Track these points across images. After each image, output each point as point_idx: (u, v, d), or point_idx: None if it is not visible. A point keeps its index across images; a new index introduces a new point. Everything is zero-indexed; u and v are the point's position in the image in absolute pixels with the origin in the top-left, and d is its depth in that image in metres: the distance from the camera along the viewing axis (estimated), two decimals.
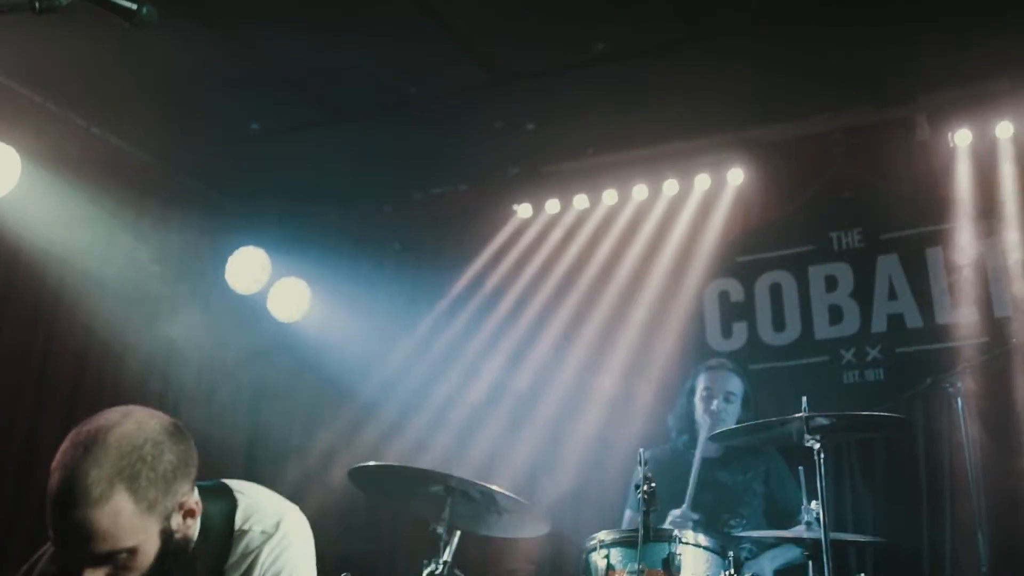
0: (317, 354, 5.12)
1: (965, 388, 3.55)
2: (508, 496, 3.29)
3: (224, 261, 5.06)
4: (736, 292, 4.83)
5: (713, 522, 3.64)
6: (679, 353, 4.72)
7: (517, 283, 5.13)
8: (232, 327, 5.05)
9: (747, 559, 3.70)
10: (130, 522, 1.60)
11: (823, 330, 4.56)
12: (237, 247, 5.09)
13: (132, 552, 1.62)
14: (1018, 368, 3.92)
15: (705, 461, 3.99)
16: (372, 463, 3.41)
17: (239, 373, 4.98)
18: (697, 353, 4.68)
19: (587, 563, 3.15)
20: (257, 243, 5.13)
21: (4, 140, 4.03)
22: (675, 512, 3.64)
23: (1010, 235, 4.19)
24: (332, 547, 4.55)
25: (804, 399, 3.14)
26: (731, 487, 3.94)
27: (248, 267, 5.11)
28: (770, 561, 3.71)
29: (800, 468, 3.18)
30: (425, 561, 3.35)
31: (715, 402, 3.99)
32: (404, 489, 3.47)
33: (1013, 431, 3.83)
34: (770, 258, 4.78)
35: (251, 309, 5.17)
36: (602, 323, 4.89)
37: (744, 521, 3.81)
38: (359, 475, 3.45)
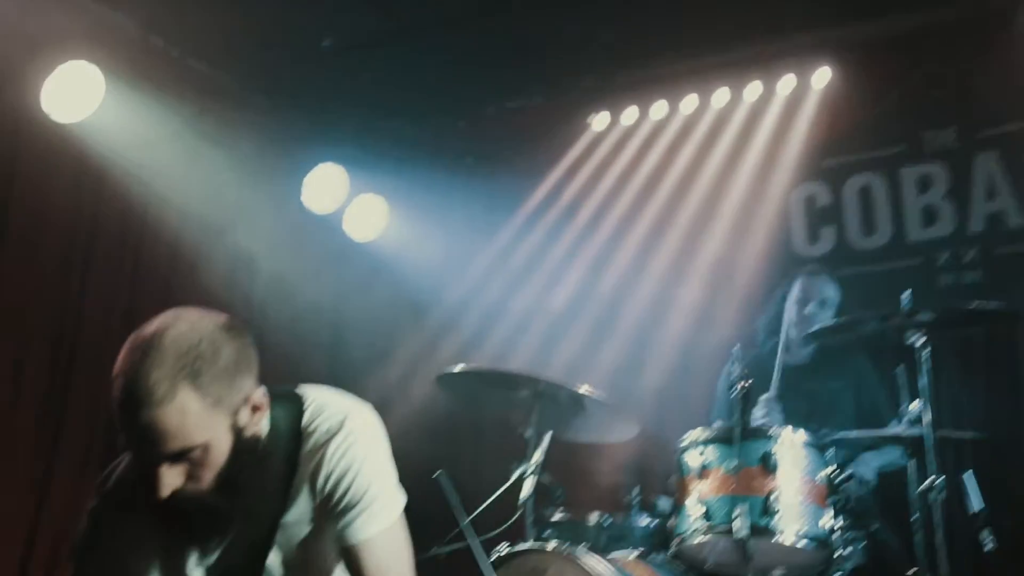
0: (395, 270, 5.13)
1: None
2: (597, 399, 3.28)
3: (301, 180, 5.07)
4: (823, 196, 4.69)
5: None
6: (764, 260, 4.63)
7: (595, 193, 5.06)
8: (310, 247, 5.08)
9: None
10: (198, 418, 1.61)
11: (916, 232, 4.41)
12: (314, 164, 5.09)
13: (205, 448, 1.64)
14: None
15: (793, 369, 3.93)
16: (460, 367, 3.42)
17: (318, 290, 5.02)
18: (783, 260, 4.59)
19: (680, 463, 3.12)
20: (334, 159, 5.12)
21: (87, 60, 4.05)
22: (761, 398, 3.61)
23: None
24: (416, 453, 4.64)
25: (906, 293, 3.04)
26: (821, 396, 3.87)
27: (326, 184, 5.11)
28: (868, 462, 3.65)
29: (900, 367, 3.09)
30: (515, 464, 3.37)
31: (809, 306, 3.92)
32: (491, 394, 3.48)
33: None
34: (859, 160, 4.62)
35: (328, 229, 5.18)
36: (684, 231, 4.82)
37: (835, 431, 3.74)
38: (447, 380, 3.46)
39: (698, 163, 4.92)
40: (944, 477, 2.92)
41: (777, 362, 3.72)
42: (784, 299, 4.03)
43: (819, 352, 3.95)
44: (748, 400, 2.96)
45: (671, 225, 4.86)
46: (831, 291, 3.99)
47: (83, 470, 4.10)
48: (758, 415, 3.61)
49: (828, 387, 3.90)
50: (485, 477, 3.72)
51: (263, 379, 1.77)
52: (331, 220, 5.18)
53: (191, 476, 1.65)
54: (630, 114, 5.14)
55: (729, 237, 4.75)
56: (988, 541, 3.09)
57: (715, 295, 4.65)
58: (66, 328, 4.15)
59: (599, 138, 5.18)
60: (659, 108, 5.07)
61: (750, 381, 2.95)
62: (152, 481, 1.62)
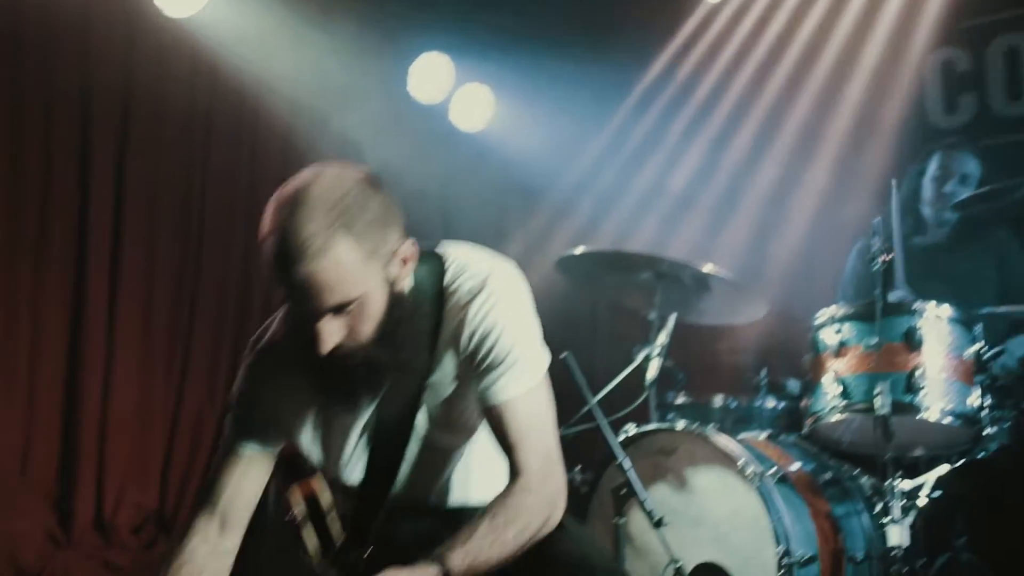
0: (504, 156, 5.04)
1: None
2: (722, 277, 3.17)
3: (406, 69, 4.98)
4: (962, 61, 4.37)
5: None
6: (897, 133, 4.37)
7: (713, 69, 4.82)
8: (416, 136, 5.02)
9: None
10: (355, 269, 1.58)
11: None
12: (419, 53, 4.99)
13: (362, 301, 1.61)
14: None
15: (928, 249, 3.73)
16: (580, 249, 3.35)
17: (425, 178, 4.97)
18: (917, 132, 4.34)
19: (815, 341, 3.01)
20: (439, 48, 5.01)
21: None
22: (898, 292, 3.45)
23: None
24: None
25: None
26: (960, 276, 3.66)
27: (431, 73, 5.02)
28: (1014, 351, 3.46)
29: None
30: (637, 348, 3.32)
31: (949, 183, 3.70)
32: (612, 277, 3.41)
33: None
34: (1003, 20, 4.27)
35: (435, 118, 5.11)
36: (810, 104, 4.58)
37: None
38: (566, 264, 3.40)
39: (824, 31, 4.62)
40: None
41: (905, 243, 3.53)
42: (922, 175, 3.80)
43: (957, 229, 3.73)
44: (890, 274, 2.81)
45: (796, 98, 4.62)
46: (972, 166, 3.74)
47: (217, 346, 4.28)
48: (900, 295, 3.46)
49: (967, 266, 3.69)
50: (605, 362, 3.69)
51: None
52: (437, 110, 5.10)
53: (350, 330, 1.63)
54: None
55: (859, 110, 4.50)
56: None
57: (843, 171, 4.43)
58: (192, 220, 4.27)
59: (715, 9, 4.92)
60: None
61: (892, 254, 2.78)
62: (313, 336, 1.60)
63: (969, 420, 2.75)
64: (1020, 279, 3.55)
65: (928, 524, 3.18)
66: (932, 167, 3.77)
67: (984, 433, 2.85)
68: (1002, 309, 3.22)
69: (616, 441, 2.84)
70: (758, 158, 4.66)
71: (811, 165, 4.52)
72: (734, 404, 3.40)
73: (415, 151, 4.89)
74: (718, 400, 3.43)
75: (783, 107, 4.67)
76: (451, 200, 5.12)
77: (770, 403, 3.37)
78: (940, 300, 3.51)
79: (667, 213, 4.69)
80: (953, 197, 3.64)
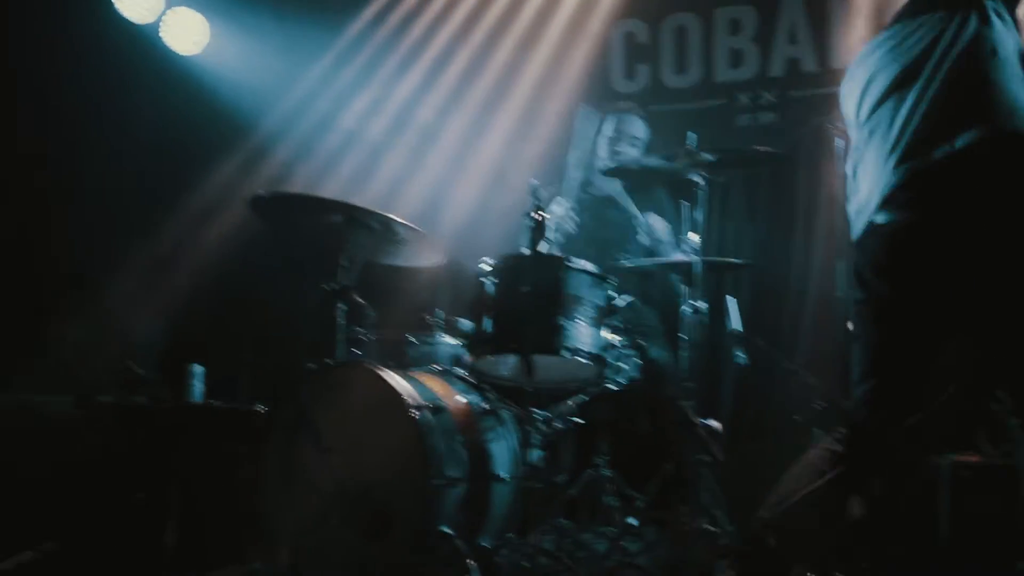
0: (218, 88, 4.99)
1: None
2: (406, 225, 3.43)
3: None
4: (641, 33, 4.83)
5: (602, 257, 3.87)
6: (582, 93, 4.78)
7: (422, 17, 5.00)
8: (125, 58, 4.86)
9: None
10: None
11: (723, 73, 4.65)
12: None
13: None
14: None
15: (598, 200, 4.20)
16: (272, 192, 3.47)
17: (135, 106, 4.84)
18: (600, 94, 4.75)
19: (480, 287, 3.33)
20: None
21: None
22: (559, 199, 3.90)
23: None
24: (230, 276, 4.71)
25: (691, 135, 3.27)
26: (621, 225, 4.16)
27: None
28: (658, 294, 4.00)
29: (683, 202, 3.35)
30: (328, 287, 3.52)
31: (621, 144, 4.15)
32: (304, 219, 3.58)
33: None
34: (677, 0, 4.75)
35: (146, 41, 4.96)
36: (507, 58, 4.88)
37: (630, 257, 4.05)
38: (260, 205, 3.52)
39: None
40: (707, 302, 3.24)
41: (576, 194, 3.98)
42: (597, 134, 4.24)
43: (624, 186, 4.21)
44: (541, 230, 3.16)
45: (493, 53, 4.90)
46: (641, 130, 4.22)
47: None
48: (561, 203, 3.88)
49: (629, 217, 4.20)
50: (299, 300, 3.88)
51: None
52: (148, 32, 4.95)
53: None
54: None
55: (549, 68, 4.85)
56: (741, 357, 3.51)
57: (529, 128, 4.79)
58: None
59: None
60: None
61: (542, 212, 3.14)
62: None
63: (598, 358, 3.18)
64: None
65: (577, 447, 3.68)
66: (607, 128, 4.21)
67: (612, 368, 3.33)
68: (634, 261, 3.71)
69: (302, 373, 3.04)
70: (452, 110, 4.93)
71: (498, 121, 4.84)
72: (415, 342, 3.70)
73: (124, 76, 4.74)
74: (401, 338, 3.71)
75: (480, 60, 4.94)
76: (164, 132, 5.01)
77: (445, 341, 3.70)
78: (602, 245, 4.03)
79: (366, 158, 4.86)
80: (622, 158, 4.11)
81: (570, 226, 3.92)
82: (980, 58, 2.32)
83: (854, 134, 2.53)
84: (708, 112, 4.63)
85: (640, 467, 3.58)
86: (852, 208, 2.48)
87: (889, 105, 2.39)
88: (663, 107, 4.67)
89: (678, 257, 3.45)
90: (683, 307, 3.23)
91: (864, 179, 2.42)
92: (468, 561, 2.97)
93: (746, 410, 4.34)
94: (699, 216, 3.26)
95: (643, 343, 3.37)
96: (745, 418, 4.34)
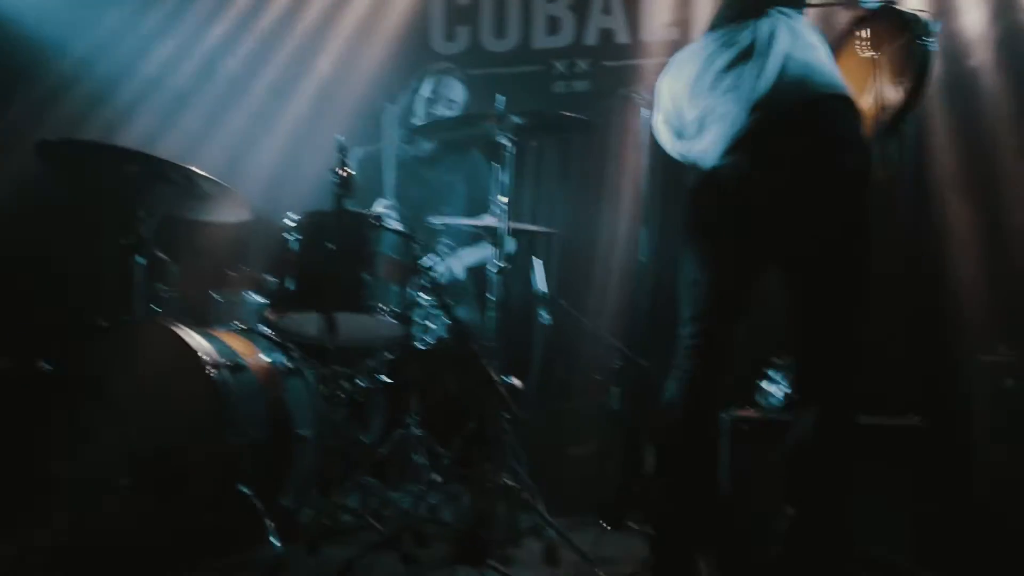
0: (4, 23, 4.61)
1: (649, 98, 3.84)
2: (209, 179, 3.31)
3: None
4: None
5: (416, 217, 3.87)
6: (400, 51, 4.74)
7: None
8: None
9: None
10: None
11: (540, 40, 4.71)
12: None
13: None
14: None
15: (415, 160, 4.20)
16: (63, 137, 3.27)
17: None
18: (419, 54, 4.72)
19: (284, 243, 3.27)
20: None
21: None
22: (382, 200, 3.87)
23: None
24: (14, 227, 4.38)
25: (500, 97, 3.31)
26: (436, 185, 4.18)
27: None
28: (461, 259, 4.05)
29: (494, 165, 3.38)
30: (126, 241, 3.35)
31: (438, 106, 4.15)
32: (99, 169, 3.38)
33: None
34: None
35: None
36: (322, 9, 4.76)
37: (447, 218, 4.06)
38: (49, 151, 3.31)
39: None
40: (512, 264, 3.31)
41: (396, 153, 3.96)
42: (415, 93, 4.22)
43: (440, 145, 4.22)
44: (347, 187, 3.12)
45: (308, 4, 4.78)
46: (459, 93, 4.23)
47: None
48: (384, 204, 3.86)
49: (445, 178, 4.22)
50: (94, 255, 3.67)
51: None
52: None
53: None
54: None
55: (367, 22, 4.77)
56: (545, 317, 3.62)
57: (347, 80, 4.70)
58: None
59: None
60: None
61: (348, 170, 3.10)
62: None
63: (403, 317, 3.20)
64: (483, 197, 4.11)
65: (388, 405, 3.70)
66: (425, 88, 4.20)
67: (419, 327, 3.36)
68: (445, 220, 3.74)
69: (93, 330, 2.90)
70: (261, 62, 4.78)
71: (309, 75, 4.74)
72: (219, 298, 3.60)
73: None
74: (204, 294, 3.60)
75: (294, 13, 4.81)
76: None
77: (251, 298, 3.61)
78: (418, 205, 4.03)
79: (168, 106, 4.65)
80: (440, 114, 4.12)
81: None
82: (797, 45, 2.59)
83: (697, 103, 2.67)
84: (525, 77, 4.68)
85: (449, 426, 3.63)
86: (692, 156, 2.64)
87: (735, 72, 2.60)
88: (482, 71, 4.68)
89: (487, 220, 3.50)
90: (489, 268, 3.28)
91: (710, 131, 2.60)
92: (266, 521, 2.94)
93: (554, 369, 4.49)
94: (507, 179, 3.30)
95: (450, 302, 3.40)
96: (553, 377, 4.49)
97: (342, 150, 3.14)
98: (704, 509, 2.60)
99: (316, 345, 3.29)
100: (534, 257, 3.74)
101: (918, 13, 2.65)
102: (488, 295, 3.32)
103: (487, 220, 3.52)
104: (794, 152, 2.48)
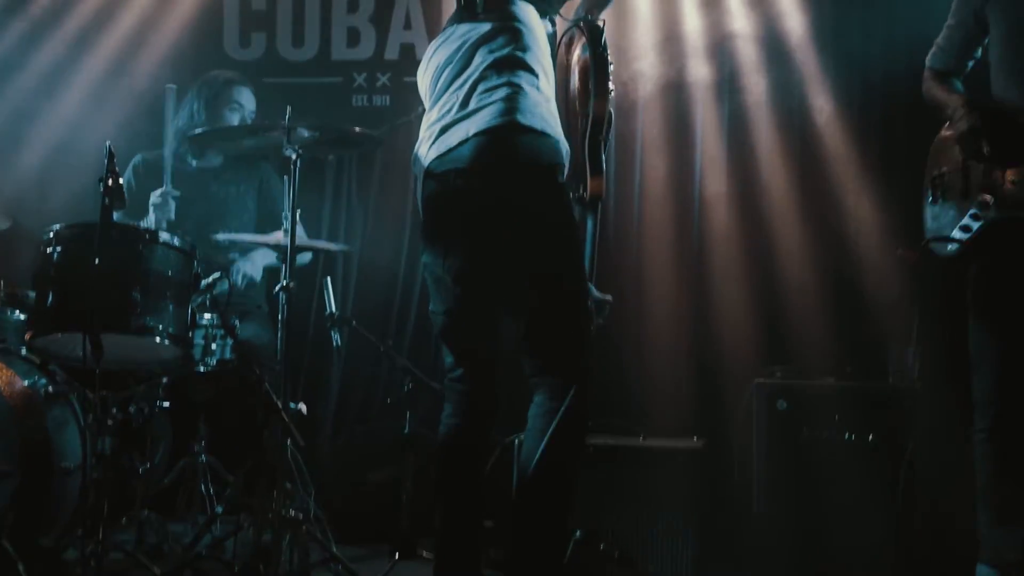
0: None
1: None
2: None
3: None
4: (258, 0, 4.63)
5: (202, 233, 3.66)
6: (191, 54, 4.49)
7: None
8: None
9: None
10: None
11: (340, 51, 4.58)
12: None
13: None
14: None
15: (200, 171, 3.97)
16: None
17: None
18: (210, 57, 4.48)
19: (48, 255, 2.97)
20: None
21: None
22: (154, 193, 3.67)
23: None
24: None
25: (288, 108, 3.16)
26: (222, 199, 3.98)
27: None
28: (254, 261, 3.86)
29: (285, 178, 3.23)
30: None
31: (221, 110, 3.95)
32: None
33: None
34: None
35: None
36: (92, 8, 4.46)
37: (232, 233, 3.86)
38: None
39: None
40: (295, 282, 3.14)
41: (171, 163, 3.74)
42: (199, 99, 3.98)
43: (227, 157, 4.01)
44: (117, 197, 2.87)
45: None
46: (248, 99, 4.05)
47: None
48: (154, 218, 3.63)
49: (231, 191, 4.01)
50: None
51: None
52: None
53: None
54: None
55: (148, 22, 4.49)
56: (336, 339, 3.50)
57: (117, 86, 4.42)
58: None
59: None
60: None
61: (112, 181, 2.85)
62: None
63: (181, 339, 2.97)
64: (274, 211, 3.93)
65: (174, 431, 3.46)
66: (206, 92, 3.98)
67: (202, 348, 3.16)
68: (234, 236, 3.56)
69: None
70: (26, 57, 4.40)
71: (82, 70, 4.39)
72: None
73: None
74: None
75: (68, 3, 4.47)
76: None
77: (10, 315, 3.28)
78: (203, 220, 3.81)
79: None
80: (225, 120, 3.91)
81: (170, 212, 3.67)
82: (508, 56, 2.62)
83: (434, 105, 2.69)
84: (324, 89, 4.54)
85: (237, 453, 3.44)
86: (428, 161, 2.61)
87: (455, 82, 2.66)
88: (278, 79, 4.50)
89: (276, 236, 3.33)
90: (277, 288, 3.12)
91: (427, 142, 2.63)
92: (19, 566, 2.66)
93: (353, 393, 4.36)
94: (293, 193, 3.15)
95: (236, 323, 3.21)
96: (352, 401, 4.36)
97: (110, 156, 2.90)
98: (474, 533, 2.57)
99: (83, 368, 3.01)
100: (327, 278, 3.61)
101: (596, 23, 2.73)
102: (278, 316, 3.14)
103: (276, 236, 3.35)
104: (493, 162, 2.51)
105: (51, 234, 2.91)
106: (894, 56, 3.86)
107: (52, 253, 2.89)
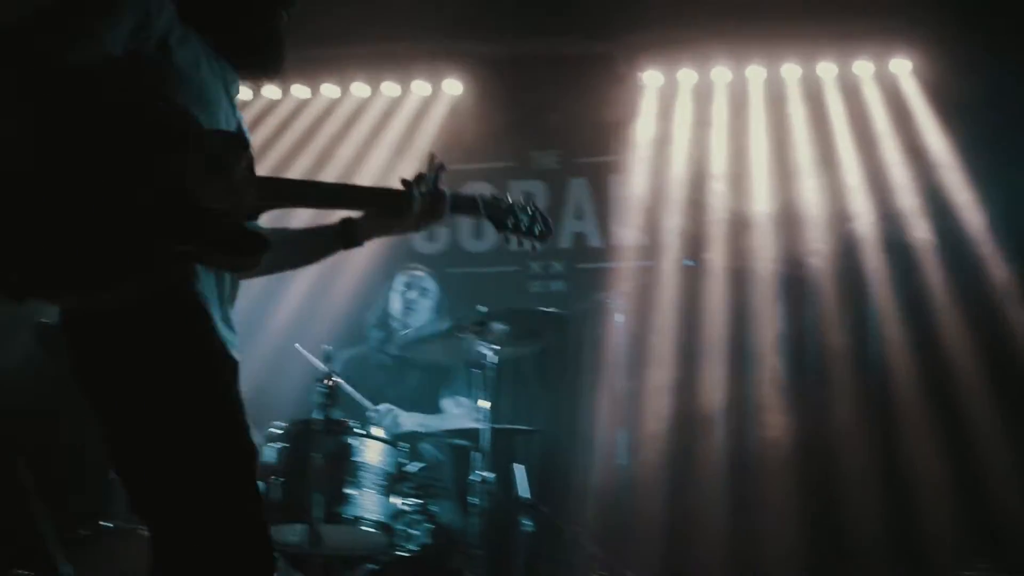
0: None
1: (623, 303, 4.00)
2: None
3: None
4: None
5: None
6: (382, 254, 4.87)
7: None
8: None
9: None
10: None
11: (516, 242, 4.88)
12: None
13: None
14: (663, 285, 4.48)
15: (392, 360, 4.24)
16: None
17: None
18: (401, 254, 4.86)
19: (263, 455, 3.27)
20: None
21: None
22: (376, 407, 3.90)
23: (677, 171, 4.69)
24: None
25: (480, 308, 3.41)
26: (412, 386, 4.21)
27: None
28: (397, 419, 3.98)
29: (473, 370, 3.46)
30: None
31: (410, 292, 4.25)
32: None
33: (648, 344, 4.41)
34: (475, 169, 4.99)
35: None
36: (309, 216, 4.90)
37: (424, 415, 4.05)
38: None
39: (332, 147, 5.07)
40: (494, 470, 3.31)
41: (378, 354, 4.01)
42: (389, 290, 4.34)
43: (416, 345, 4.29)
44: (334, 396, 3.17)
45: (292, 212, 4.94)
46: (430, 283, 4.35)
47: None
48: (382, 410, 3.86)
49: (418, 378, 4.25)
50: None
51: None
52: None
53: None
54: (270, 91, 5.14)
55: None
56: (528, 524, 3.60)
57: (328, 287, 4.81)
58: None
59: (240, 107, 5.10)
60: (300, 90, 5.15)
61: (334, 379, 3.15)
62: None
63: (386, 527, 3.17)
64: (459, 398, 4.13)
65: None
66: (398, 283, 4.33)
67: (401, 536, 3.33)
68: (422, 427, 3.76)
69: None
70: None
71: (290, 284, 4.77)
72: None
73: None
74: None
75: (283, 214, 4.92)
76: None
77: None
78: (396, 402, 4.04)
79: None
80: (414, 304, 4.23)
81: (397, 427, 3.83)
82: None
83: None
84: (502, 277, 4.84)
85: None
86: None
87: None
88: (460, 270, 4.84)
89: (468, 424, 3.54)
90: (472, 475, 3.29)
91: None
92: None
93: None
94: (488, 383, 3.37)
95: (435, 510, 3.38)
96: None
97: (328, 358, 3.20)
98: None
99: (299, 554, 3.24)
100: (516, 462, 3.75)
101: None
102: (471, 501, 3.30)
103: (467, 423, 3.55)
104: None
105: (275, 431, 3.21)
106: None
107: (272, 449, 3.18)
